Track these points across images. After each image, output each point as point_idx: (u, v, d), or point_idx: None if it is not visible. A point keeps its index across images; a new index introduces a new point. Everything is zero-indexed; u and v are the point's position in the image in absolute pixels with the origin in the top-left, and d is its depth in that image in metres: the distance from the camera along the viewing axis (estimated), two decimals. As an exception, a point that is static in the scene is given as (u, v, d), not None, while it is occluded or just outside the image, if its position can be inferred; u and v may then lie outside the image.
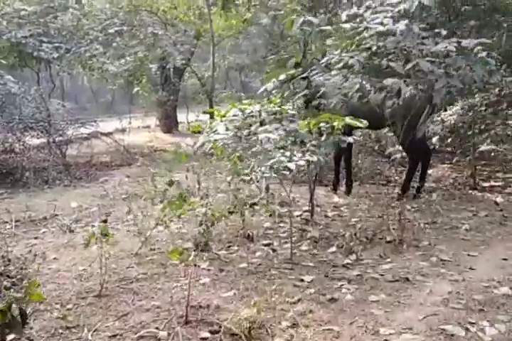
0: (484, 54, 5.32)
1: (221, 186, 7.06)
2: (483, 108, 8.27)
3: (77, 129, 10.02)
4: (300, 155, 4.06)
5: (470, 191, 7.40)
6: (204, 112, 13.93)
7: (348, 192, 7.11)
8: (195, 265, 4.15)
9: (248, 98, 9.09)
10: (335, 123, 4.17)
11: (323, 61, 5.55)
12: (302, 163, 3.97)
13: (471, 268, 4.44)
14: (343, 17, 5.62)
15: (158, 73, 14.47)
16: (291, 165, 3.91)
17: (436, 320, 3.50)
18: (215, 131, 4.30)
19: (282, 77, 5.34)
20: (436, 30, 5.40)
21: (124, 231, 5.55)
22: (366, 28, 5.30)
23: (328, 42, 5.56)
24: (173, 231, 5.12)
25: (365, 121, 4.43)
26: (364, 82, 5.48)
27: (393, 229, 5.25)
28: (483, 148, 8.18)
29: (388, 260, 4.59)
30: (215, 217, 4.56)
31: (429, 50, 5.28)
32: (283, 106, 4.69)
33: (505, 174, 8.61)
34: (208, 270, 4.35)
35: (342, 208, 6.33)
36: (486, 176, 8.49)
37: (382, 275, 4.24)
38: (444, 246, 4.99)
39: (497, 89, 8.30)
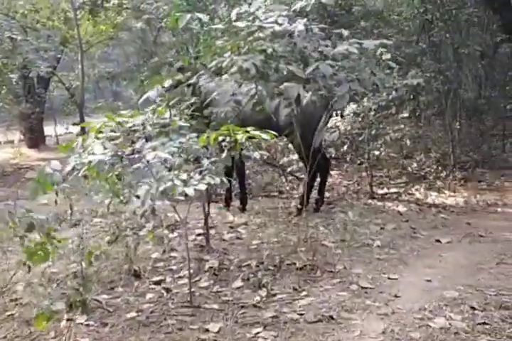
0: (389, 56, 4.88)
1: (98, 209, 6.21)
2: (372, 113, 7.96)
3: None
4: (198, 176, 3.32)
5: (370, 200, 7.03)
6: (74, 124, 12.85)
7: (243, 208, 6.44)
8: (69, 319, 3.29)
9: (124, 108, 8.22)
10: (238, 137, 3.47)
11: (212, 65, 4.83)
12: (202, 187, 3.23)
13: (396, 296, 3.90)
14: (233, 16, 4.94)
15: (21, 83, 13.14)
16: (190, 191, 3.16)
17: (378, 373, 2.90)
18: (90, 150, 3.45)
19: (167, 83, 4.56)
20: (337, 31, 4.86)
21: (-24, 275, 4.50)
22: (260, 28, 4.65)
23: (218, 43, 4.83)
24: (40, 274, 4.16)
25: (273, 133, 3.77)
26: (260, 88, 4.83)
27: (300, 250, 4.65)
28: (376, 153, 7.89)
29: (304, 293, 3.92)
30: (92, 255, 3.69)
31: (330, 52, 4.73)
32: (172, 118, 3.92)
33: (395, 180, 8.39)
34: (87, 325, 3.41)
35: (239, 229, 5.62)
36: (378, 183, 8.21)
37: (301, 314, 3.55)
38: (360, 269, 4.43)
39: (385, 94, 8.02)
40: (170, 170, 3.62)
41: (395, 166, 8.49)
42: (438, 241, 5.32)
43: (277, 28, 4.57)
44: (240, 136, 3.47)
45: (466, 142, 9.33)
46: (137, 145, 3.53)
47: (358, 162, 8.89)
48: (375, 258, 4.72)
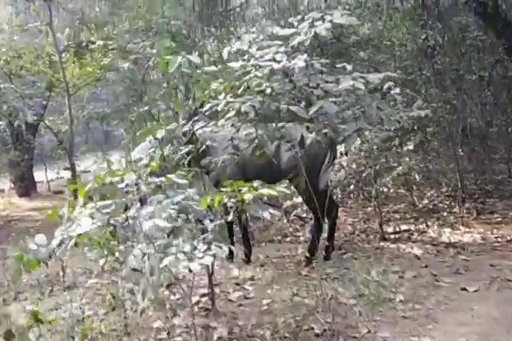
0: (398, 90, 4.49)
1: (93, 269, 5.73)
2: (375, 147, 7.56)
3: None
4: (203, 246, 2.88)
5: (381, 243, 6.55)
6: (65, 169, 12.44)
7: (248, 260, 5.98)
8: None
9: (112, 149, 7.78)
10: (246, 197, 3.04)
11: (206, 108, 4.43)
12: (208, 260, 2.79)
13: (431, 365, 3.45)
14: (225, 54, 4.59)
15: (8, 131, 12.77)
16: (195, 266, 2.72)
17: None
18: (78, 223, 3.01)
19: (160, 134, 4.15)
20: (340, 65, 4.49)
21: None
22: (256, 66, 4.27)
23: (213, 85, 4.43)
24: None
25: (283, 189, 3.33)
26: (260, 131, 4.43)
27: (317, 312, 4.18)
28: (384, 190, 7.49)
29: (328, 368, 3.47)
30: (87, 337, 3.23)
31: (332, 88, 4.34)
32: (169, 176, 3.47)
33: (404, 214, 7.95)
34: None
35: (246, 285, 5.15)
36: (386, 219, 7.76)
37: None
38: (386, 331, 3.95)
39: (386, 126, 7.64)
40: (169, 235, 3.19)
41: (403, 201, 8.05)
42: (464, 289, 4.85)
43: (276, 65, 4.19)
44: (247, 196, 3.03)
45: (472, 169, 8.93)
46: (132, 211, 3.09)
47: (362, 197, 8.51)
48: (401, 317, 4.24)
